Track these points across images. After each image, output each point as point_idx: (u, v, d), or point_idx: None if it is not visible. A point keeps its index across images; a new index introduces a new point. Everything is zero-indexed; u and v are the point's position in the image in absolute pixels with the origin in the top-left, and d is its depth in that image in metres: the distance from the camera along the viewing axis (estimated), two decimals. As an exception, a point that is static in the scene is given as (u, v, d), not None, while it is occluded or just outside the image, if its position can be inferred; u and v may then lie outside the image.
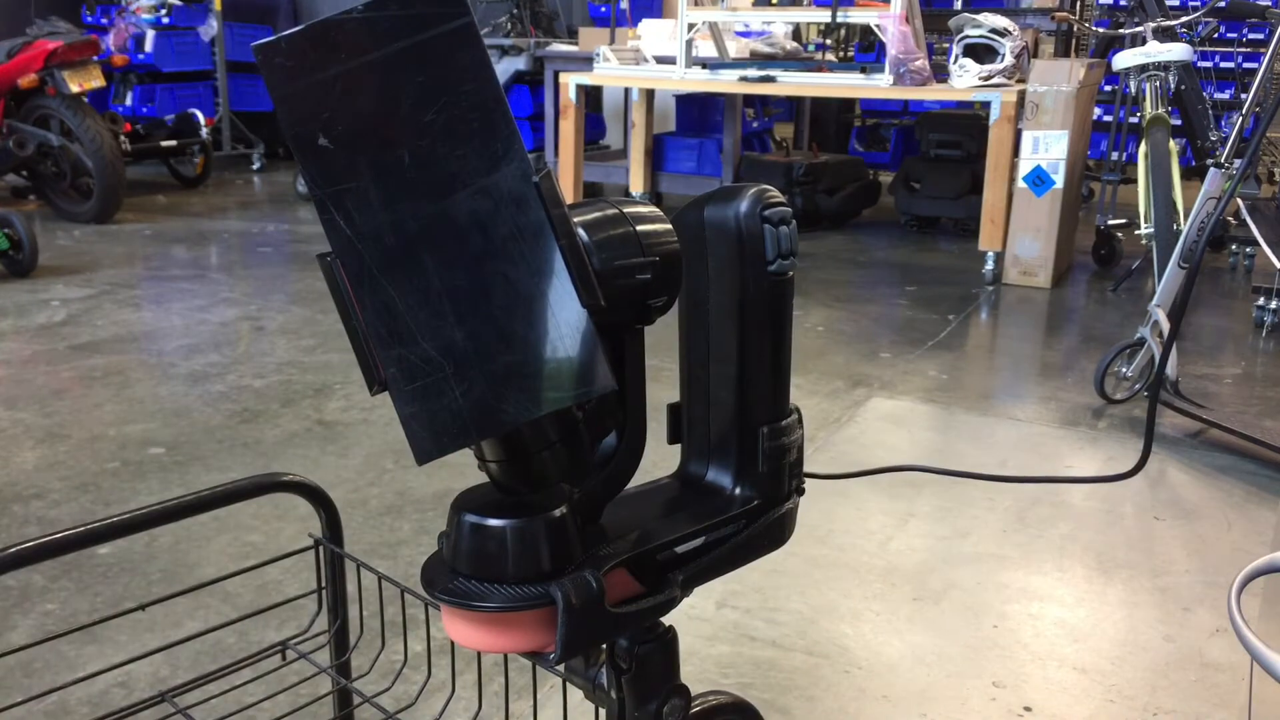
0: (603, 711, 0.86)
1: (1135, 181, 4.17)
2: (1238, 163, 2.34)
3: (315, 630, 1.16)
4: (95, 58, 5.45)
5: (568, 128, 5.58)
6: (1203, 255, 1.86)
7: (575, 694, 0.93)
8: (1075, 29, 6.50)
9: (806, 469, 0.89)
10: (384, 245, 0.53)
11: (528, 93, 6.64)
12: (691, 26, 5.24)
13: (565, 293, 0.55)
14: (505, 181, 0.54)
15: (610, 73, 5.58)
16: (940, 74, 4.98)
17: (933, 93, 4.90)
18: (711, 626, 1.87)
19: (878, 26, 4.87)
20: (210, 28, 7.26)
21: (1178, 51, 4.13)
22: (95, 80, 5.37)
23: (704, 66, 5.38)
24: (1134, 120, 4.58)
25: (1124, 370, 3.09)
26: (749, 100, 6.65)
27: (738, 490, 0.84)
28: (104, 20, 7.55)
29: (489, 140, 0.53)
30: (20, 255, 4.28)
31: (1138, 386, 3.07)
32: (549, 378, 0.56)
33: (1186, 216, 2.98)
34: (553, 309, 0.55)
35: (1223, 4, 4.05)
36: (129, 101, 7.24)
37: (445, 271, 0.53)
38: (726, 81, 5.25)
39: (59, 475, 2.45)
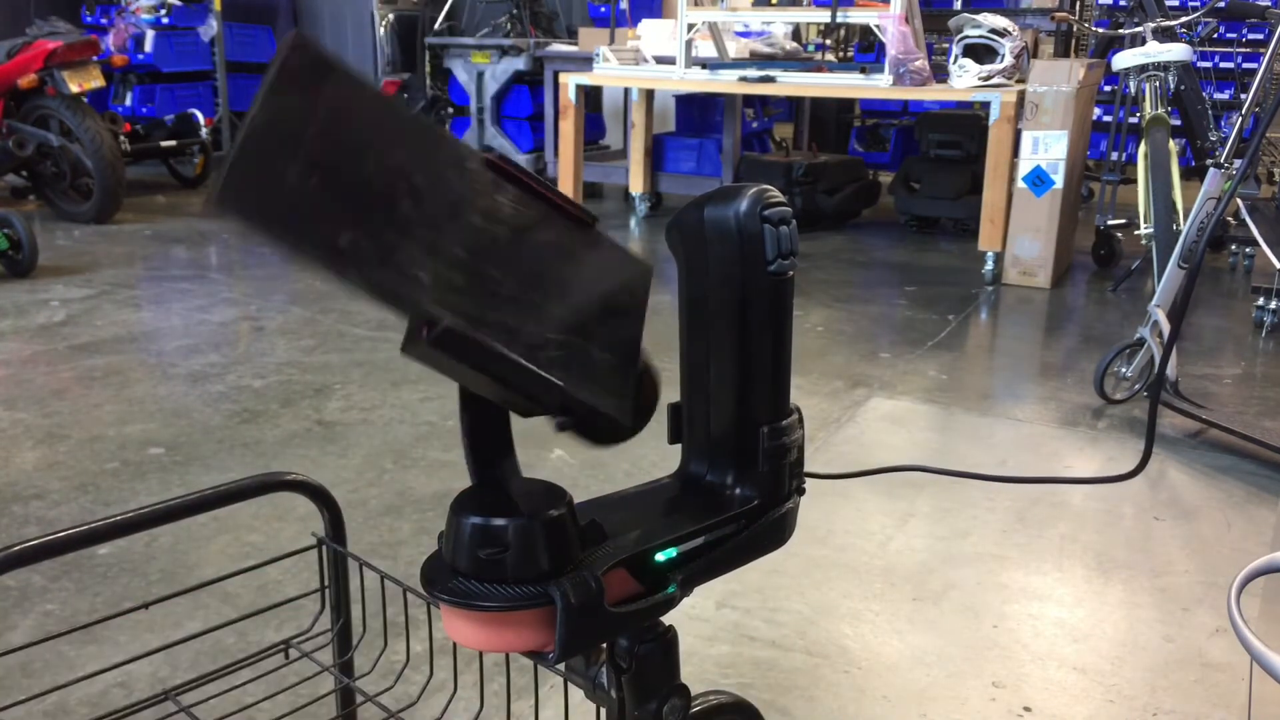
0: (603, 711, 0.86)
1: (1135, 181, 4.17)
2: (1238, 163, 2.34)
3: (317, 630, 1.16)
4: (95, 58, 5.45)
5: (567, 128, 5.58)
6: (1203, 255, 1.86)
7: (576, 693, 0.93)
8: (1075, 29, 6.50)
9: (806, 469, 0.89)
10: (479, 292, 0.56)
11: (527, 93, 6.64)
12: (691, 26, 5.24)
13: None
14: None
15: (610, 73, 5.58)
16: (940, 74, 4.98)
17: (932, 93, 4.90)
18: (711, 626, 1.87)
19: (877, 27, 4.87)
20: (210, 28, 7.25)
21: (1177, 51, 4.13)
22: (95, 80, 5.36)
23: (704, 67, 5.38)
24: (1134, 120, 4.57)
25: (1124, 370, 3.09)
26: (749, 100, 6.65)
27: (738, 490, 0.84)
28: (104, 20, 7.54)
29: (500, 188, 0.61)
30: (20, 255, 4.28)
31: (1137, 387, 3.07)
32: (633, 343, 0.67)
33: (1186, 217, 2.98)
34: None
35: (1222, 4, 4.05)
36: (129, 102, 7.24)
37: (536, 287, 0.60)
38: (726, 81, 5.25)
39: (59, 475, 2.45)
